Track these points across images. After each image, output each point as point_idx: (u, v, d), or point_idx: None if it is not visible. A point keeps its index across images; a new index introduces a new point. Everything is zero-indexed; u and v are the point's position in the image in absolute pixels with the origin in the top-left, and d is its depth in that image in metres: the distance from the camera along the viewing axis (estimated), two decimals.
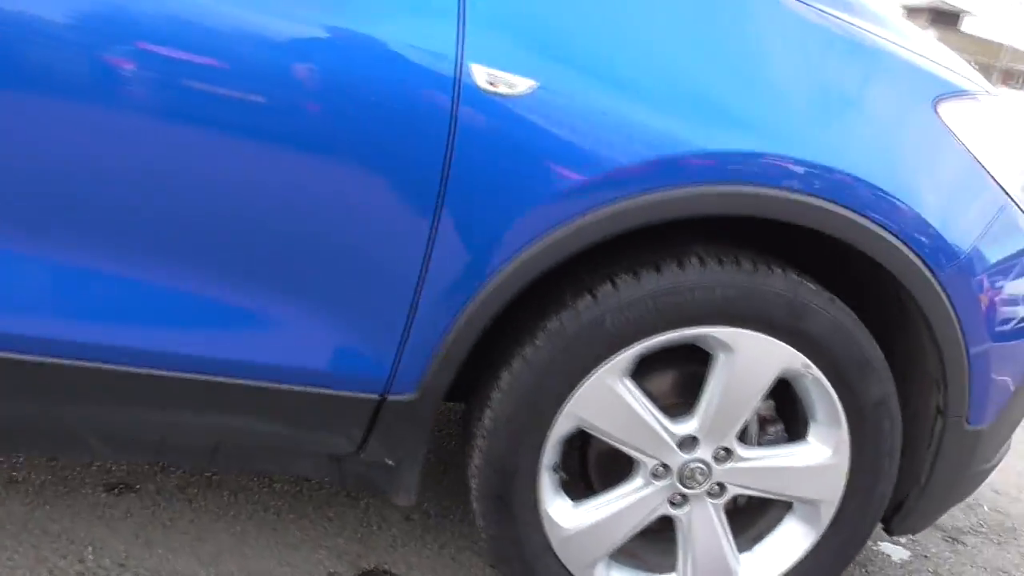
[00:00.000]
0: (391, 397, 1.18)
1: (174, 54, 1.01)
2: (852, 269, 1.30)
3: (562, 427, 1.23)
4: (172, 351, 1.13)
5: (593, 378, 1.20)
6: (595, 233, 1.12)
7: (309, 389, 1.17)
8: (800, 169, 1.15)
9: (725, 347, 1.22)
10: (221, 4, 1.02)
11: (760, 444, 1.34)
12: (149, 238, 1.08)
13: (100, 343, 1.10)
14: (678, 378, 1.31)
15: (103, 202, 1.05)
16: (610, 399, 1.22)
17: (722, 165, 1.13)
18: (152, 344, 1.12)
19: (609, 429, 1.24)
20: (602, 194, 1.11)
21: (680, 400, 1.29)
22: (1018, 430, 1.53)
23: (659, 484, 1.28)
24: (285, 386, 1.16)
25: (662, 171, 1.11)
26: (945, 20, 50.62)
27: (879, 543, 1.86)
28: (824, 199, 1.15)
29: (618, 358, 1.19)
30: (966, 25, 54.33)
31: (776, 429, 1.34)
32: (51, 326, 1.09)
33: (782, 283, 1.21)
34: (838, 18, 1.25)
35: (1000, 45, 44.41)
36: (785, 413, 1.36)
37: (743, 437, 1.31)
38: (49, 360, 1.09)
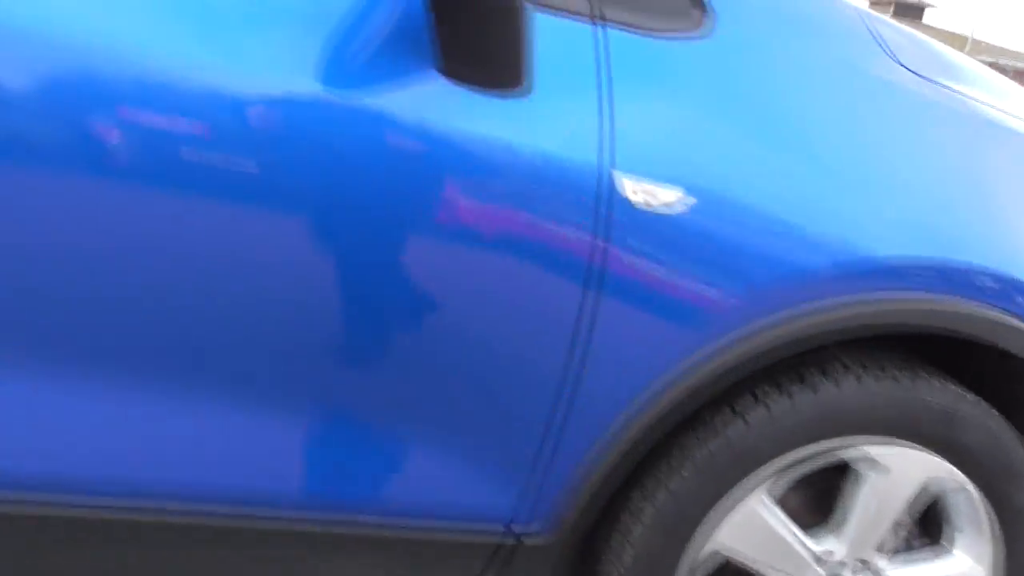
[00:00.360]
0: (522, 537, 1.07)
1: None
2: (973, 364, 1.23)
3: (701, 554, 1.13)
4: (269, 492, 1.01)
5: (739, 503, 1.10)
6: (764, 351, 1.02)
7: (426, 528, 1.05)
8: (983, 279, 1.06)
9: (870, 459, 1.13)
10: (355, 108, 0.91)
11: (899, 553, 1.25)
12: (247, 364, 0.96)
13: (190, 487, 0.99)
14: (811, 488, 1.21)
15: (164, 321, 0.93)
16: (752, 521, 1.12)
17: (907, 275, 1.04)
18: (248, 484, 1.00)
19: (748, 551, 1.15)
20: (772, 310, 1.02)
21: (813, 510, 1.20)
22: None
23: None
24: (397, 523, 1.05)
25: (832, 285, 1.02)
26: (909, 13, 51.27)
27: None
28: (1000, 309, 1.07)
29: (766, 483, 1.10)
30: (928, 17, 55.13)
31: (918, 542, 1.25)
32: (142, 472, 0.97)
33: (938, 394, 1.12)
34: (992, 107, 1.16)
35: (964, 37, 45.08)
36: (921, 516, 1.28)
37: (880, 546, 1.22)
38: (139, 506, 0.97)
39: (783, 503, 1.16)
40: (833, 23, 1.08)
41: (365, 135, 0.91)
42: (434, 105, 0.93)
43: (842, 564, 1.18)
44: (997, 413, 1.18)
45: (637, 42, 1.00)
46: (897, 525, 1.26)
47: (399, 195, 0.93)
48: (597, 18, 0.99)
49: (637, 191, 0.97)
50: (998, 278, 1.07)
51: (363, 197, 0.92)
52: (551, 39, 0.96)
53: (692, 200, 0.98)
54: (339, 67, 0.92)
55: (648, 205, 0.97)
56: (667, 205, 0.97)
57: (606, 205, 0.96)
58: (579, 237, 0.96)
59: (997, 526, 1.21)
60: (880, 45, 1.11)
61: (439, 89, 0.93)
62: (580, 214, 0.96)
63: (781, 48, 1.05)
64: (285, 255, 0.92)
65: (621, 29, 0.99)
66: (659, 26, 1.01)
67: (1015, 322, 1.08)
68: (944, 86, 1.16)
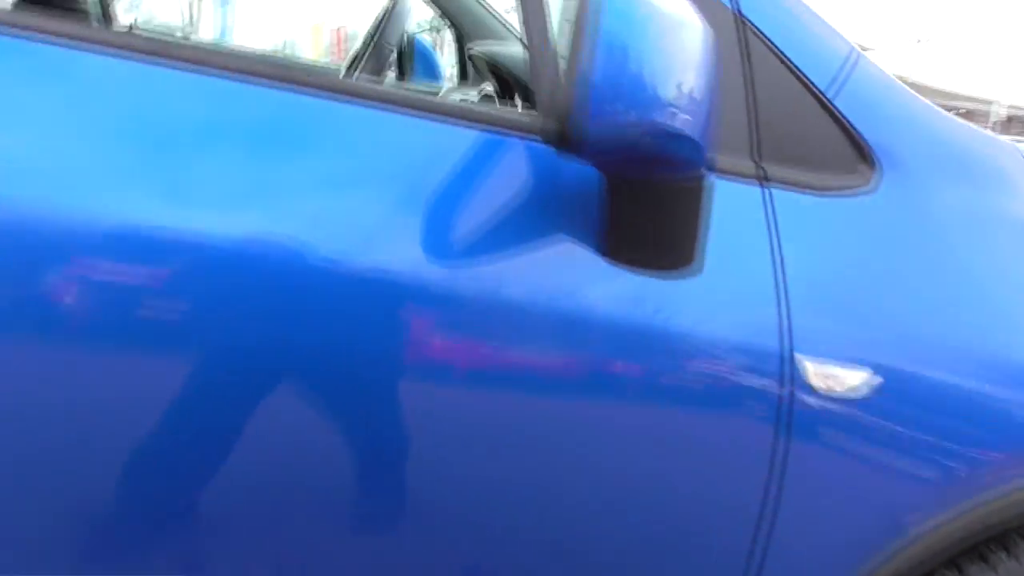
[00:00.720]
0: None
1: None
2: None
3: None
4: None
5: None
6: (952, 540, 0.91)
7: None
8: None
9: None
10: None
11: None
12: None
13: None
14: None
15: None
16: None
17: None
18: None
19: None
20: (966, 495, 0.90)
21: None
22: None
23: None
24: None
25: None
26: None
27: None
28: None
29: None
30: None
31: None
32: None
33: None
34: None
35: (903, 79, 46.67)
36: None
37: None
38: None
39: None
40: (997, 166, 0.99)
41: (528, 325, 0.80)
42: (596, 289, 0.82)
43: None
44: None
45: (805, 202, 0.89)
46: None
47: (566, 382, 0.84)
48: (762, 179, 0.88)
49: (821, 375, 0.86)
50: None
51: (541, 380, 0.83)
52: (717, 206, 0.85)
53: (878, 380, 0.87)
54: (468, 238, 0.81)
55: (832, 390, 0.86)
56: (853, 389, 0.86)
57: (788, 391, 0.85)
58: (760, 424, 0.86)
59: None
60: None
61: (600, 270, 0.82)
62: (760, 400, 0.85)
63: (953, 199, 0.95)
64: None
65: (787, 189, 0.89)
66: (827, 184, 0.90)
67: None
68: None
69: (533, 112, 0.86)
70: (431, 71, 2.51)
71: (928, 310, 0.90)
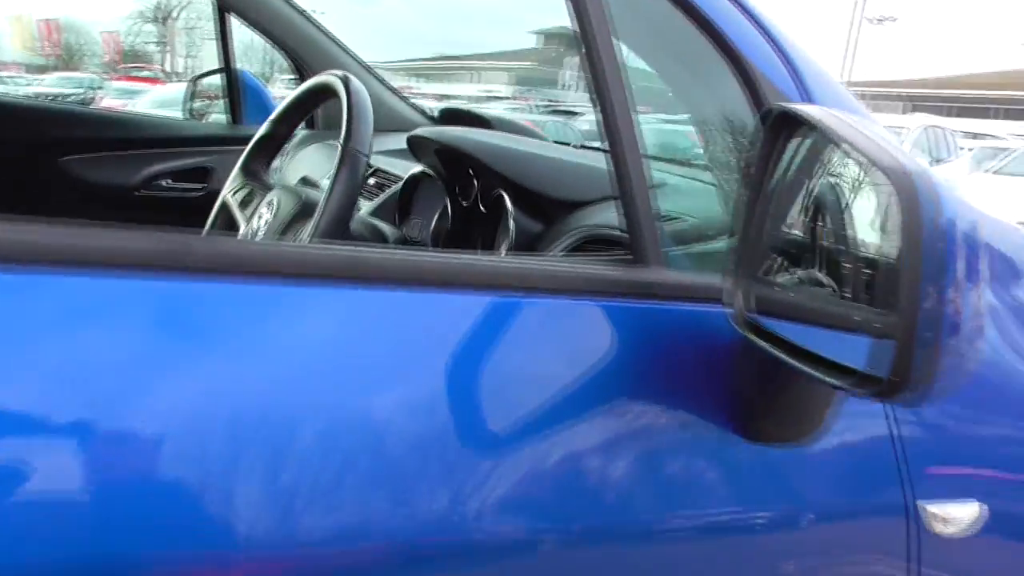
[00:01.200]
0: None
1: None
2: None
3: None
4: None
5: None
6: None
7: None
8: None
9: None
10: None
11: None
12: None
13: None
14: None
15: None
16: None
17: None
18: None
19: None
20: None
21: None
22: None
23: None
24: None
25: None
26: None
27: None
28: None
29: None
30: None
31: None
32: None
33: None
34: None
35: None
36: None
37: None
38: None
39: None
40: None
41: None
42: (729, 463, 0.71)
43: None
44: None
45: None
46: None
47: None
48: None
49: (940, 518, 0.79)
50: None
51: None
52: None
53: (987, 510, 0.82)
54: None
55: (947, 532, 0.80)
56: (966, 525, 0.81)
57: (915, 538, 0.79)
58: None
59: None
60: None
61: (732, 446, 0.70)
62: (888, 553, 0.79)
63: (1008, 300, 0.91)
64: None
65: None
66: None
67: None
68: None
69: (619, 262, 0.71)
70: (262, 108, 2.24)
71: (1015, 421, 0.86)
